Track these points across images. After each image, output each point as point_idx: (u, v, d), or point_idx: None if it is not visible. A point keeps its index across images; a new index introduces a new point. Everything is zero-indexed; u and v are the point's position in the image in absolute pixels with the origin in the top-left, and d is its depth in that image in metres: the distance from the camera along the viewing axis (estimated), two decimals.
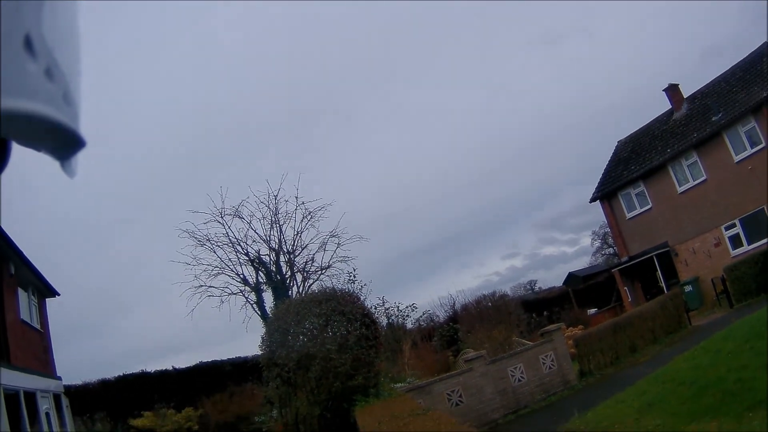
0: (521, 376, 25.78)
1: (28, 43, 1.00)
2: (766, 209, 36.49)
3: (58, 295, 33.38)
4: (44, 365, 30.10)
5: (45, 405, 24.80)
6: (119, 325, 74.60)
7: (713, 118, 39.07)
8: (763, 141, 36.16)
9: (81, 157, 1.20)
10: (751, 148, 36.89)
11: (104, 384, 41.38)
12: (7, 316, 24.75)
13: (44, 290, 31.96)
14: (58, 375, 31.12)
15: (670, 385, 17.62)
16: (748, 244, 37.48)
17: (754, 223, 37.55)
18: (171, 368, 44.03)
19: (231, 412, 36.04)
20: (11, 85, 0.93)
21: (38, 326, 30.67)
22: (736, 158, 37.66)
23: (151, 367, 44.45)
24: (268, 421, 30.44)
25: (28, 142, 1.10)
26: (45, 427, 24.00)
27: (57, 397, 28.08)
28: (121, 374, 42.40)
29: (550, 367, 26.49)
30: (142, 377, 42.17)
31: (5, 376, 20.27)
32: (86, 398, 38.90)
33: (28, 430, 21.57)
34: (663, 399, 16.44)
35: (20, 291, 28.08)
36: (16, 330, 26.04)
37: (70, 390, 34.85)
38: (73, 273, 66.98)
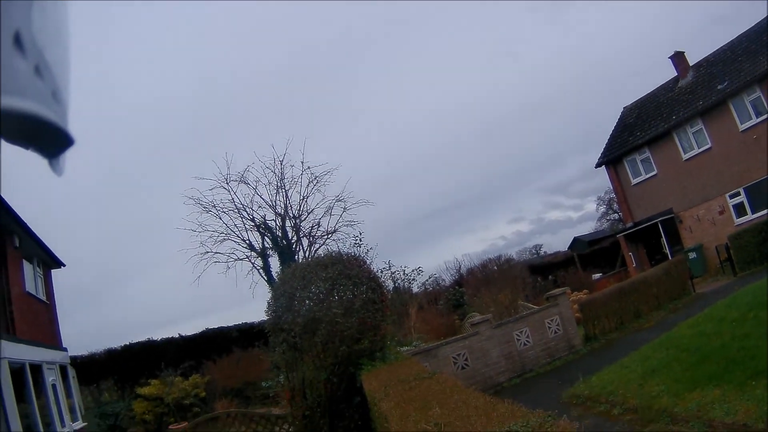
0: (527, 340, 25.83)
1: (18, 41, 1.00)
2: None
3: (64, 266, 33.48)
4: (50, 337, 30.23)
5: (51, 377, 24.80)
6: (125, 295, 74.68)
7: (719, 87, 38.86)
8: (767, 111, 36.06)
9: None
10: (756, 117, 36.62)
11: (110, 353, 41.57)
12: (12, 289, 24.82)
13: (49, 261, 32.08)
14: (64, 346, 31.25)
15: (674, 351, 17.61)
16: (752, 213, 37.37)
17: (758, 192, 37.38)
18: (177, 335, 44.20)
19: (238, 377, 36.20)
20: (2, 82, 0.94)
21: (44, 298, 30.77)
22: (741, 127, 37.47)
23: (158, 335, 44.49)
24: (274, 386, 30.47)
25: (16, 139, 1.09)
26: (51, 398, 24.04)
27: (63, 369, 28.09)
28: (128, 343, 42.64)
29: (555, 332, 26.53)
30: (149, 345, 42.40)
31: (10, 349, 20.29)
32: (93, 368, 39.20)
33: (35, 402, 21.63)
34: (666, 365, 16.41)
35: (25, 263, 28.21)
36: (22, 302, 26.11)
37: (76, 361, 35.19)
38: (79, 243, 67.00)
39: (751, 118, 36.98)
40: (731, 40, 42.48)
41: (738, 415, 10.92)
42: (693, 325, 20.11)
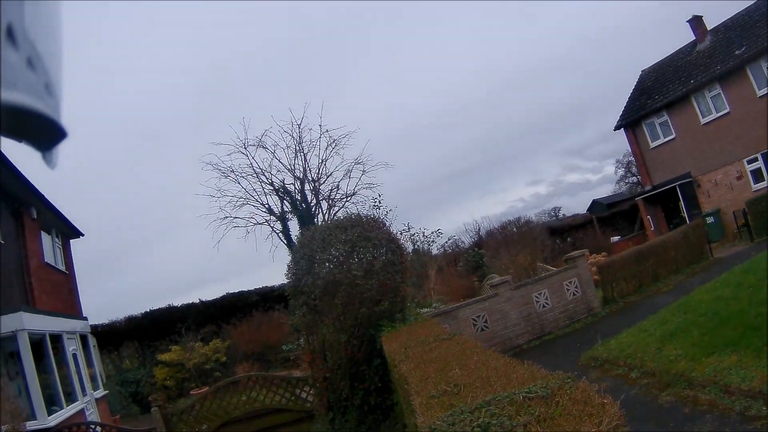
0: (546, 302, 25.85)
1: (10, 34, 0.98)
2: None
3: (83, 235, 33.57)
4: (70, 306, 30.39)
5: (72, 346, 24.92)
6: (145, 262, 74.97)
7: (736, 52, 38.60)
8: None
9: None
10: None
11: (131, 321, 41.93)
12: (31, 261, 24.96)
13: (68, 231, 32.22)
14: (84, 315, 31.34)
15: (692, 315, 17.60)
16: None
17: None
18: (198, 301, 44.32)
19: (258, 341, 36.43)
20: None
21: (63, 268, 30.88)
22: (759, 93, 37.22)
23: (178, 302, 44.77)
24: (295, 349, 30.54)
25: (8, 132, 1.08)
26: (72, 367, 24.15)
27: (84, 338, 28.32)
28: (148, 310, 42.84)
29: (574, 294, 26.53)
30: (169, 311, 42.63)
31: (30, 320, 20.41)
32: (114, 336, 39.80)
33: (56, 371, 21.76)
34: (684, 329, 16.39)
35: (43, 234, 28.32)
36: (41, 274, 26.26)
37: (97, 329, 35.49)
38: (98, 212, 67.18)
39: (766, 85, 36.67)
40: (748, 6, 42.03)
41: (754, 381, 10.92)
42: (711, 290, 20.11)
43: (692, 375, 12.85)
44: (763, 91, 36.90)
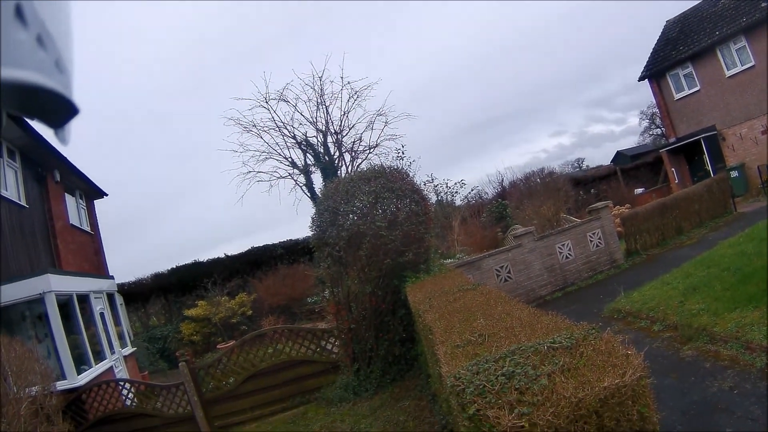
0: (569, 254, 25.95)
1: (19, 13, 1.00)
2: None
3: (106, 195, 33.72)
4: (96, 266, 30.73)
5: (99, 305, 25.17)
6: (169, 219, 75.30)
7: (762, 4, 38.01)
8: None
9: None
10: None
11: (157, 278, 42.32)
12: (56, 224, 25.24)
13: (91, 192, 32.41)
14: (110, 274, 31.59)
15: (715, 270, 17.62)
16: None
17: None
18: (223, 255, 44.59)
19: (284, 294, 36.71)
20: (3, 54, 0.96)
21: (88, 228, 31.19)
22: None
23: (204, 257, 45.09)
24: (320, 301, 30.77)
25: (20, 110, 1.11)
26: (100, 326, 24.41)
27: (110, 296, 28.62)
28: (174, 266, 43.22)
29: (597, 245, 26.60)
30: (195, 267, 42.91)
31: (57, 282, 20.57)
32: (141, 294, 40.45)
33: (84, 331, 21.98)
34: (707, 283, 16.40)
35: (67, 196, 28.53)
36: (66, 235, 26.56)
37: (123, 287, 36.12)
38: (121, 171, 67.35)
39: None
40: None
41: None
42: (734, 245, 20.10)
43: (714, 330, 12.89)
44: None
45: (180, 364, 18.70)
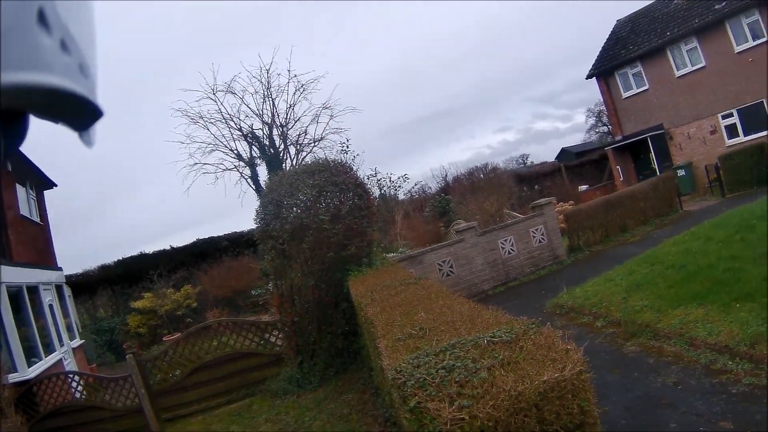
0: (511, 249, 26.03)
1: (42, 18, 0.99)
2: (765, 102, 36.49)
3: (56, 186, 33.31)
4: (45, 257, 30.46)
5: (48, 297, 25.10)
6: (116, 210, 74.83)
7: (716, 6, 38.54)
8: (765, 34, 35.95)
9: None
10: (753, 40, 36.53)
11: (104, 269, 42.09)
12: (7, 214, 24.92)
13: (42, 183, 31.97)
14: (59, 266, 31.45)
15: (659, 267, 17.78)
16: (745, 135, 37.52)
17: (752, 114, 37.48)
18: (169, 247, 44.56)
19: (228, 287, 36.83)
20: (27, 59, 0.94)
21: (38, 219, 30.83)
22: (737, 48, 37.31)
23: (150, 248, 45.02)
24: (264, 293, 30.77)
25: (46, 114, 1.09)
26: (49, 318, 24.28)
27: (59, 288, 28.46)
28: (121, 258, 43.02)
29: (540, 241, 26.74)
30: (141, 259, 42.72)
31: (7, 273, 20.42)
32: (88, 285, 39.92)
33: (33, 323, 21.84)
34: (651, 281, 16.58)
35: (18, 187, 28.20)
36: (17, 226, 26.33)
37: (71, 279, 35.81)
38: (69, 162, 66.91)
39: (748, 41, 36.83)
40: None
41: (721, 335, 11.07)
42: (679, 242, 20.29)
43: (658, 326, 13.03)
44: (742, 47, 37.05)
45: (127, 356, 18.65)
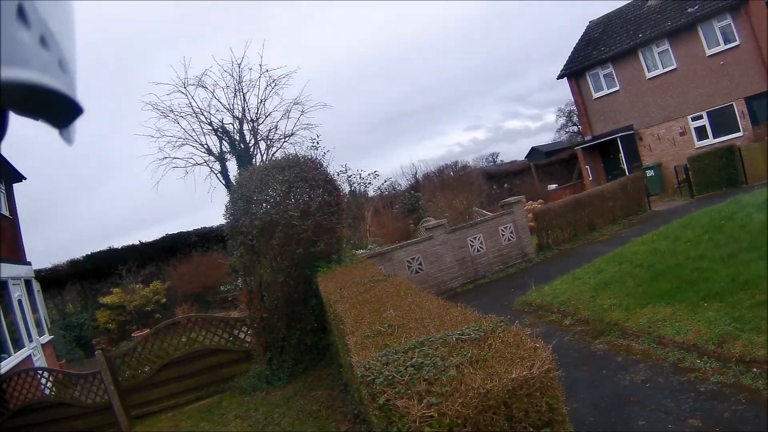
0: (480, 246, 26.12)
1: (21, 14, 1.00)
2: (735, 105, 36.89)
3: (25, 179, 32.92)
4: (15, 252, 29.95)
5: (17, 292, 24.95)
6: (86, 204, 74.38)
7: (689, 9, 38.86)
8: (737, 39, 36.39)
9: None
10: (725, 44, 36.97)
11: (73, 264, 41.68)
12: None
13: (11, 176, 31.57)
14: (28, 260, 31.18)
15: (627, 266, 17.88)
16: (714, 137, 37.96)
17: (721, 117, 37.97)
18: (138, 242, 44.22)
19: (198, 282, 36.62)
20: (6, 54, 0.94)
21: (7, 213, 30.43)
22: (709, 52, 37.76)
23: (119, 243, 44.91)
24: (233, 289, 30.74)
25: (25, 111, 1.08)
26: (18, 313, 24.13)
27: (28, 283, 28.22)
28: (90, 253, 42.62)
29: (509, 239, 26.85)
30: (111, 254, 42.36)
31: None
32: (57, 280, 39.63)
33: (2, 318, 21.71)
34: (619, 279, 16.67)
35: None
36: None
37: (40, 274, 35.42)
38: (39, 154, 66.48)
39: (719, 44, 37.25)
40: None
41: (688, 334, 11.15)
42: (647, 242, 20.42)
43: (626, 325, 13.11)
44: (713, 51, 37.46)
45: (96, 352, 18.59)
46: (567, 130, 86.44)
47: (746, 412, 8.31)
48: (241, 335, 19.42)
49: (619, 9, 48.22)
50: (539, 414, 3.94)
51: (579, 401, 9.92)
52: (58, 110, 1.14)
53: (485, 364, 4.18)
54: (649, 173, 39.13)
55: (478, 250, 26.06)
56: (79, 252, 43.46)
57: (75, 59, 1.22)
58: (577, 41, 49.33)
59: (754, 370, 9.27)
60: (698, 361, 10.27)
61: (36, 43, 1.03)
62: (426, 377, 4.16)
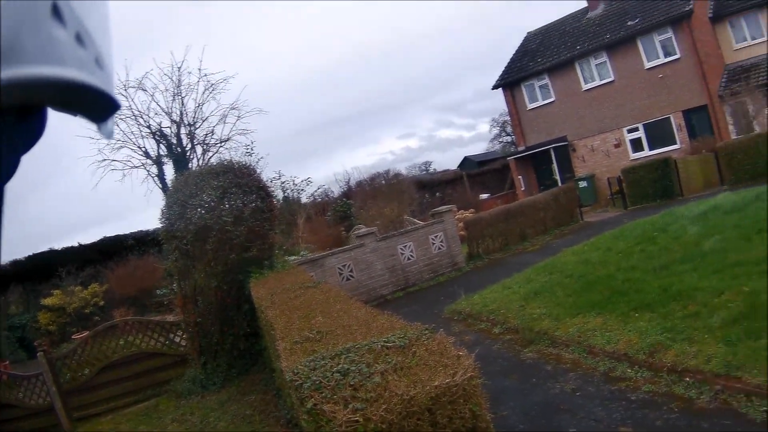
0: (411, 255, 26.16)
1: (56, 12, 0.98)
2: (672, 118, 37.63)
3: None
4: None
5: None
6: (27, 204, 73.70)
7: (629, 23, 39.49)
8: (678, 52, 37.07)
9: None
10: (665, 57, 37.73)
11: (15, 264, 41.34)
12: None
13: None
14: None
15: (558, 276, 18.00)
16: (650, 150, 38.65)
17: (658, 129, 38.70)
18: (77, 244, 44.04)
19: (134, 286, 36.49)
20: (43, 52, 0.93)
21: None
22: (648, 64, 38.48)
23: (59, 244, 44.66)
24: (169, 293, 30.64)
25: (63, 108, 1.05)
26: None
27: None
28: (31, 254, 42.44)
29: (439, 248, 26.91)
30: (51, 255, 42.25)
31: None
32: (0, 281, 39.06)
33: None
34: (549, 289, 16.76)
35: None
36: None
37: None
38: None
39: (659, 57, 38.03)
40: None
41: (619, 344, 11.25)
42: (579, 252, 20.58)
43: (555, 334, 13.19)
44: (652, 64, 38.19)
45: (38, 354, 18.58)
46: (501, 140, 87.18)
47: (678, 420, 8.40)
48: (177, 339, 19.55)
49: (558, 21, 48.90)
50: (463, 421, 3.99)
51: (509, 409, 9.96)
52: (96, 106, 1.12)
53: (409, 372, 4.24)
54: (582, 184, 39.45)
55: (409, 259, 26.12)
56: (23, 252, 43.17)
57: (112, 56, 1.20)
58: (514, 52, 49.67)
59: (687, 379, 9.37)
60: (629, 371, 10.35)
61: (72, 41, 1.01)
62: (352, 383, 4.24)
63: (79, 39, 1.03)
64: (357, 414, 3.78)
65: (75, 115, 1.08)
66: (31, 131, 1.11)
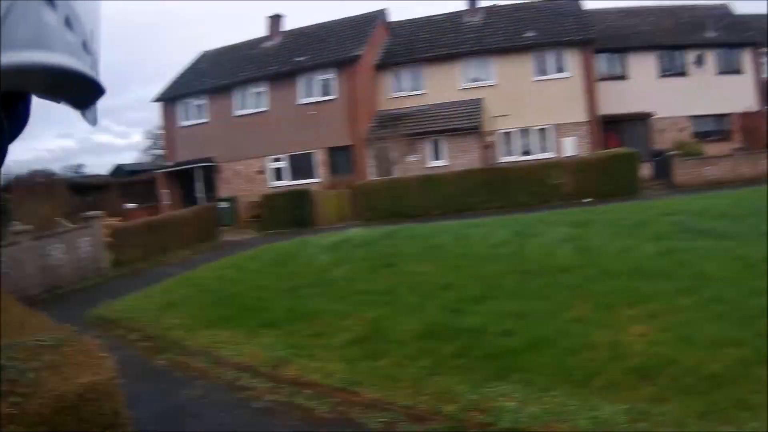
0: (61, 257, 25.53)
1: None
2: (316, 154, 39.29)
3: None
4: None
5: None
6: None
7: (296, 59, 40.73)
8: (336, 93, 38.71)
9: None
10: (322, 95, 39.24)
11: None
12: None
13: None
14: None
15: (194, 289, 18.32)
16: (292, 180, 39.82)
17: (302, 162, 40.09)
18: None
19: None
20: (31, 38, 0.93)
21: None
22: (301, 101, 39.82)
23: None
24: None
25: (48, 94, 1.09)
26: None
27: None
28: None
29: (86, 253, 26.40)
30: None
31: None
32: None
33: None
34: (186, 301, 17.06)
35: None
36: None
37: None
38: None
39: (314, 96, 39.45)
40: (333, 20, 45.13)
41: (245, 356, 11.66)
42: (216, 269, 20.95)
43: (187, 344, 13.37)
44: (305, 100, 39.73)
45: None
46: (153, 152, 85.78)
47: (299, 428, 8.96)
48: None
49: (235, 45, 49.28)
50: (105, 417, 4.25)
51: (141, 411, 10.11)
52: (81, 92, 1.15)
53: (60, 369, 4.42)
54: (223, 205, 39.78)
55: (59, 260, 25.44)
56: None
57: (99, 39, 1.22)
58: (183, 69, 49.66)
59: (307, 391, 9.93)
60: (254, 381, 10.80)
61: (61, 25, 1.02)
62: (10, 379, 4.35)
63: (68, 22, 1.05)
64: (14, 407, 3.97)
65: (59, 101, 1.13)
66: (17, 119, 1.13)
